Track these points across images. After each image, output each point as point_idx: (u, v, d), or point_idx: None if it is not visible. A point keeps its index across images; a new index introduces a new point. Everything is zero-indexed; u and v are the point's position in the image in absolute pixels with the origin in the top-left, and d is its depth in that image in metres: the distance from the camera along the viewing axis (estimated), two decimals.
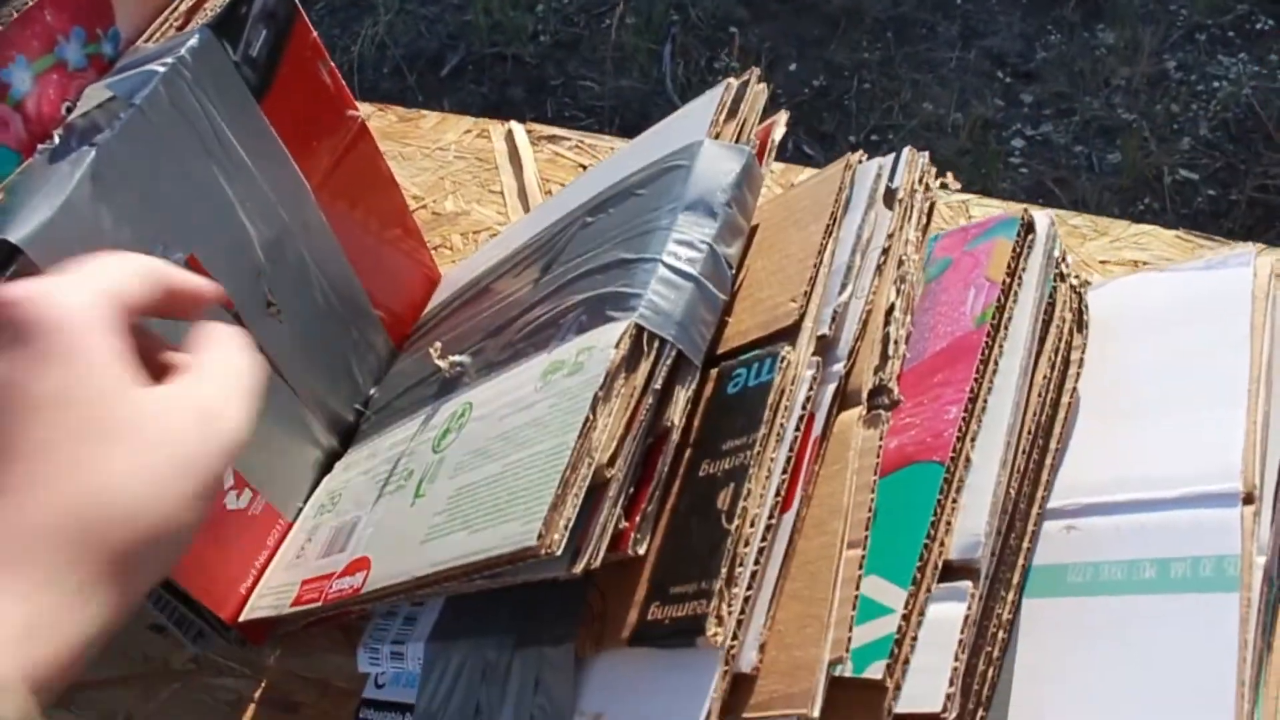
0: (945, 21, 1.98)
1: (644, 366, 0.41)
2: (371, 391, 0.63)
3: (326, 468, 0.60)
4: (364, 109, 0.63)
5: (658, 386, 0.41)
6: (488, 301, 0.55)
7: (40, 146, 0.46)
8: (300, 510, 0.59)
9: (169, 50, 0.48)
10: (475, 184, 0.77)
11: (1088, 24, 1.96)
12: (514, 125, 0.80)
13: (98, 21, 0.48)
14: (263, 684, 0.59)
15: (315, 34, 0.54)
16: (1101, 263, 0.68)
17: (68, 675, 0.29)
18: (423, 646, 0.48)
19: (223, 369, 0.34)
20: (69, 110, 0.48)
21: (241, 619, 0.55)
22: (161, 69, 0.47)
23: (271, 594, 0.54)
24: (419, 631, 0.49)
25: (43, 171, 0.44)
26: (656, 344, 0.41)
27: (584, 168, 0.76)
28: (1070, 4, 1.98)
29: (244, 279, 0.52)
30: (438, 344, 0.53)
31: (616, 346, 0.40)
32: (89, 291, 0.32)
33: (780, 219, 0.48)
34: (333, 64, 0.56)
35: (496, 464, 0.42)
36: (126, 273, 0.33)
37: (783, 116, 0.51)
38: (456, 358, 0.51)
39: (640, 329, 0.41)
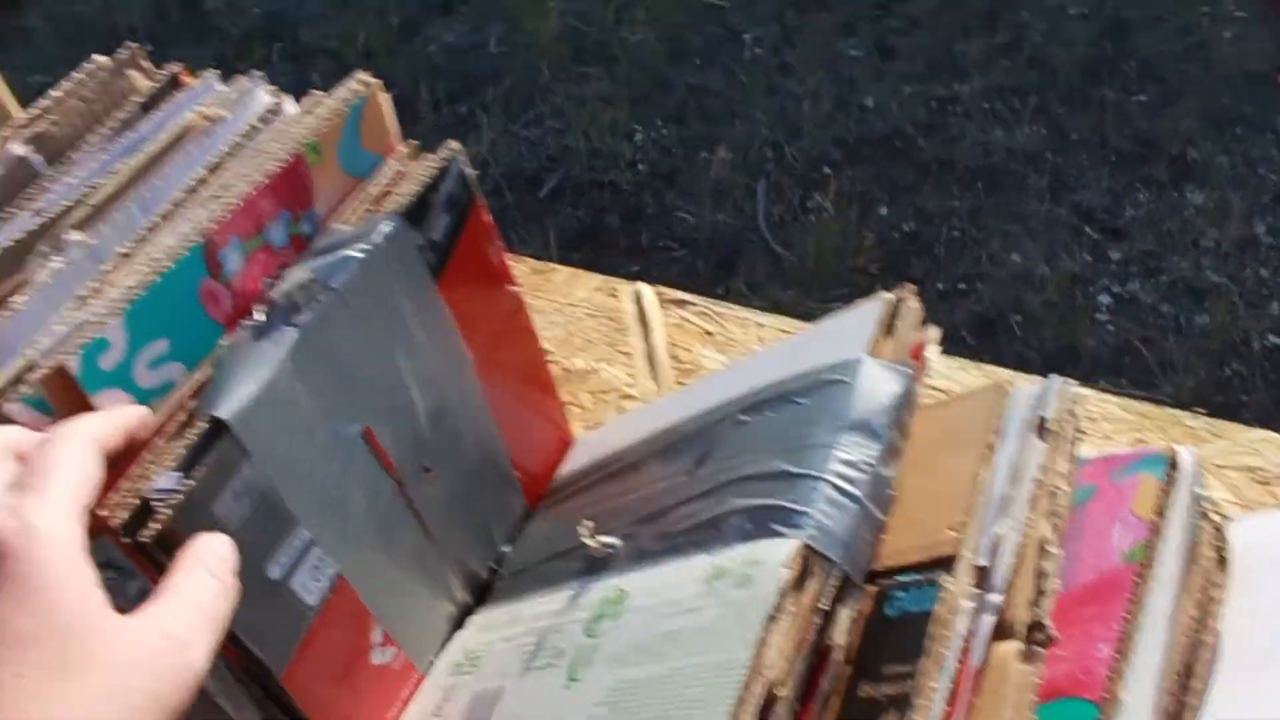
0: (1035, 174, 2.02)
1: (812, 586, 0.43)
2: (505, 549, 0.65)
3: (459, 622, 0.62)
4: None
5: (825, 607, 0.43)
6: (635, 482, 0.58)
7: (244, 322, 0.49)
8: (431, 663, 0.61)
9: (364, 235, 0.51)
10: (604, 343, 0.81)
11: (1177, 184, 1.98)
12: (642, 287, 0.84)
13: (300, 204, 0.52)
14: None
15: (489, 216, 0.58)
16: (1218, 467, 0.69)
17: None
18: None
19: (194, 597, 0.37)
20: (268, 288, 0.51)
21: None
22: (359, 255, 0.50)
23: None
24: None
25: (247, 349, 0.48)
26: (823, 564, 0.43)
27: (709, 334, 0.79)
28: (1160, 163, 2.01)
29: (406, 446, 0.55)
30: (588, 522, 0.55)
31: (787, 566, 0.42)
32: (62, 514, 0.34)
33: (931, 438, 0.50)
34: (499, 241, 0.60)
35: (662, 666, 0.44)
36: (84, 471, 0.36)
37: (934, 333, 0.54)
38: (608, 539, 0.54)
39: (808, 549, 0.43)
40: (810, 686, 0.42)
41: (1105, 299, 1.84)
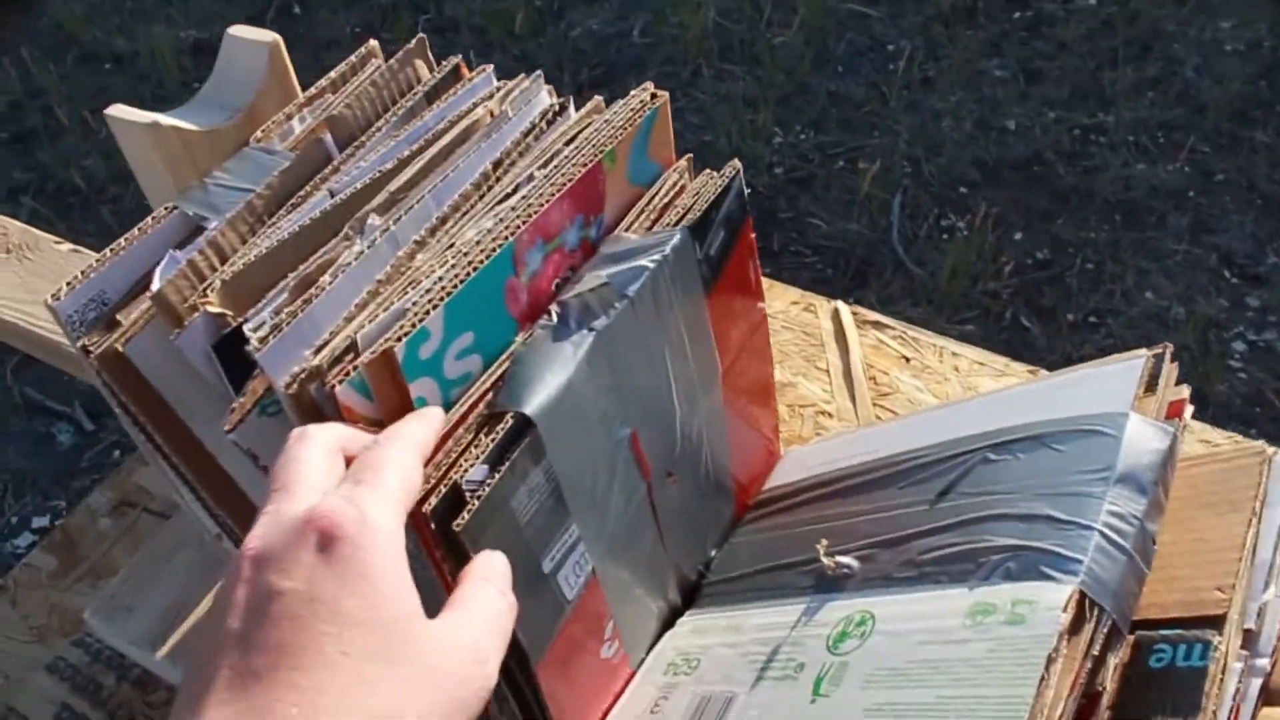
0: (1176, 212, 2.00)
1: (1085, 631, 0.44)
2: (712, 553, 0.67)
3: (669, 623, 0.65)
4: None
5: (1096, 653, 0.44)
6: (865, 505, 0.60)
7: (542, 322, 0.52)
8: (642, 660, 0.63)
9: (653, 247, 0.54)
10: (801, 357, 0.83)
11: None
12: (840, 305, 0.86)
13: (593, 209, 0.55)
14: None
15: (754, 234, 0.60)
16: None
17: None
18: None
19: (489, 611, 0.38)
20: (558, 287, 0.54)
21: None
22: (650, 264, 0.53)
23: None
24: None
25: (545, 347, 0.51)
26: (1096, 611, 0.45)
27: (906, 360, 0.81)
28: None
29: (660, 450, 0.58)
30: (824, 540, 0.57)
31: (1065, 610, 0.44)
32: (391, 512, 0.36)
33: (1186, 495, 0.52)
34: (758, 260, 0.62)
35: (926, 692, 0.46)
36: (412, 474, 0.39)
37: (1186, 391, 0.55)
38: (844, 559, 0.56)
39: (1083, 595, 0.45)
40: None
41: (1240, 346, 1.82)
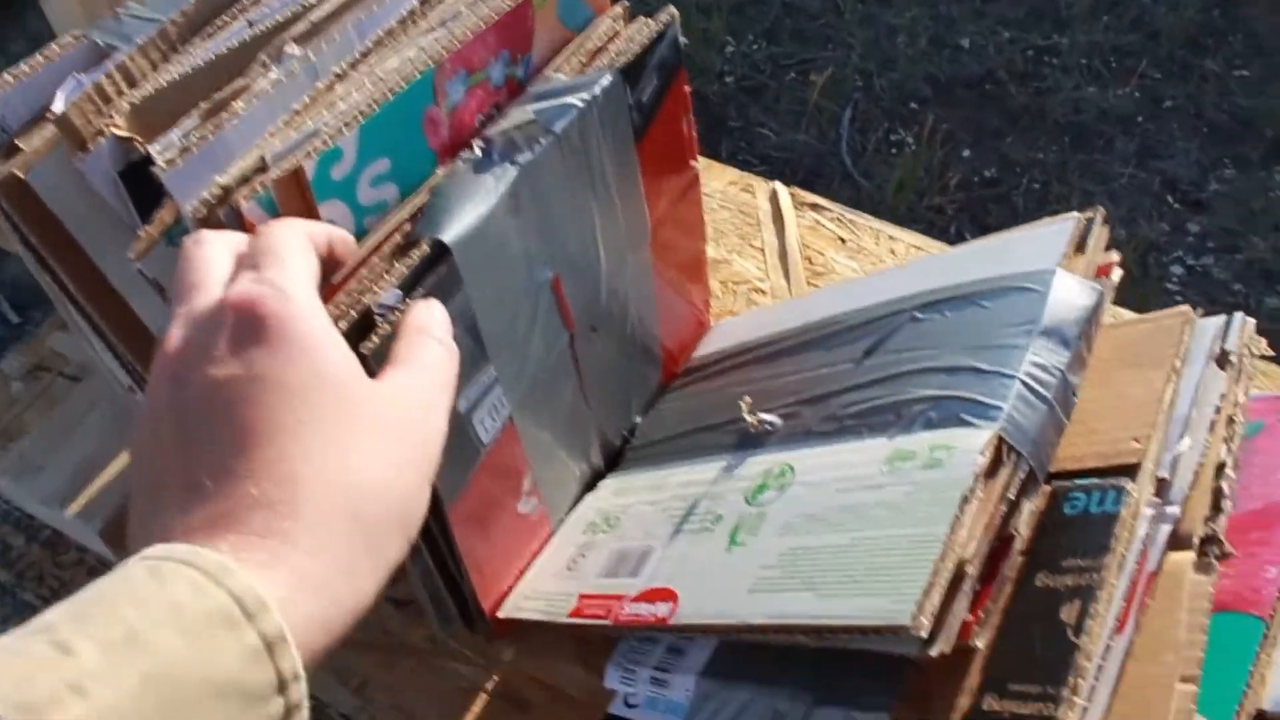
0: (1124, 137, 2.00)
1: (1002, 476, 0.44)
2: (637, 419, 0.67)
3: (590, 485, 0.64)
4: None
5: (1011, 496, 0.44)
6: (791, 367, 0.59)
7: (463, 155, 0.50)
8: (561, 520, 0.62)
9: (583, 86, 0.52)
10: (736, 235, 0.81)
11: (1266, 163, 1.96)
12: (779, 186, 0.84)
13: (519, 47, 0.53)
14: (495, 677, 0.62)
15: (688, 86, 0.59)
16: None
17: (321, 646, 0.30)
18: (693, 679, 0.52)
19: (430, 361, 0.38)
20: (481, 123, 0.52)
21: (502, 615, 0.59)
22: (579, 103, 0.51)
23: (542, 599, 0.57)
24: (688, 664, 0.53)
25: (467, 180, 0.49)
26: (1014, 457, 0.45)
27: (843, 241, 0.80)
28: (1253, 141, 1.98)
29: (583, 302, 0.57)
30: (747, 398, 0.56)
31: (982, 453, 0.44)
32: (306, 287, 0.35)
33: (1110, 355, 0.51)
34: (692, 115, 0.60)
35: (841, 534, 0.45)
36: (307, 256, 0.37)
37: (1115, 256, 0.54)
38: (767, 416, 0.55)
39: (1002, 440, 0.44)
40: (991, 571, 0.43)
41: (1178, 270, 1.84)
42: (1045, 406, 0.46)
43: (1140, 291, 1.78)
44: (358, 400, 0.33)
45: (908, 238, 0.80)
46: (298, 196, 0.45)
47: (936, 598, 0.40)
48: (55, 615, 0.26)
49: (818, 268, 0.78)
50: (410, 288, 0.45)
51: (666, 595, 0.51)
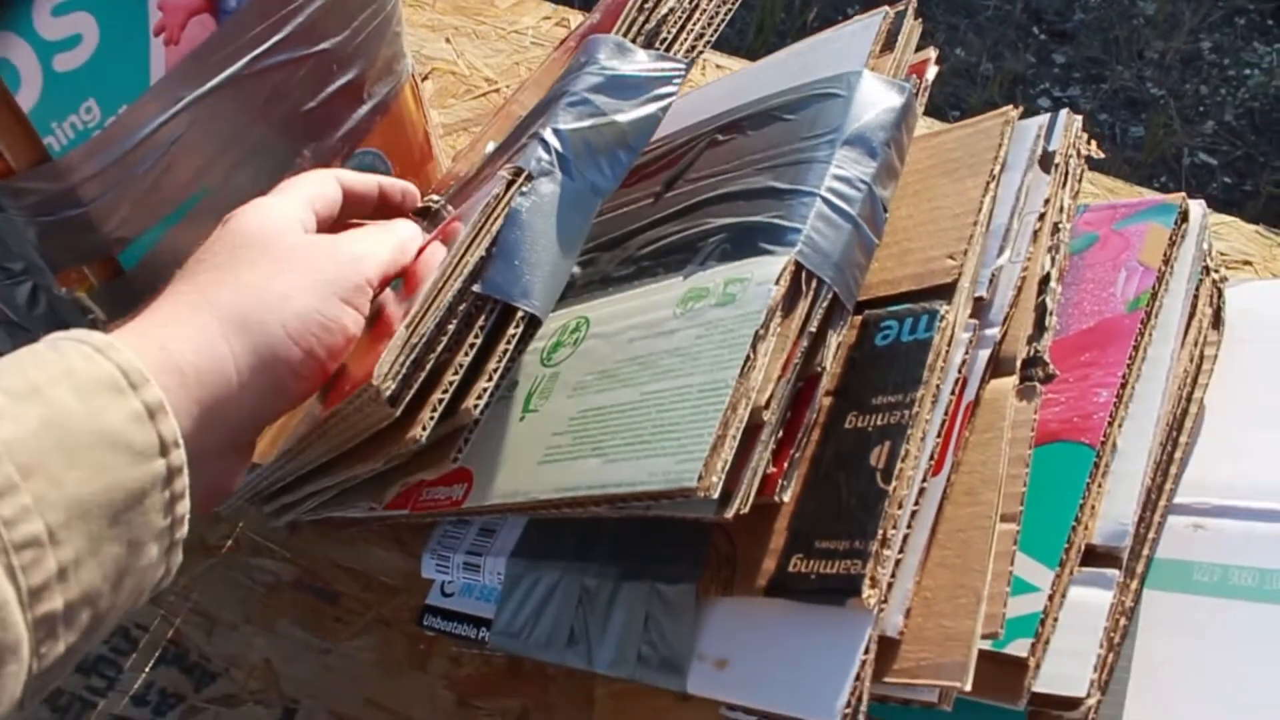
0: None
1: (801, 307, 0.39)
2: None
3: None
4: None
5: (813, 329, 0.39)
6: None
7: (537, 159, 0.42)
8: None
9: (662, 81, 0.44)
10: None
11: None
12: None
13: None
14: (302, 569, 0.57)
15: None
16: None
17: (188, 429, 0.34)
18: (503, 562, 0.47)
19: (377, 237, 0.42)
20: None
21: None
22: (660, 114, 0.49)
23: None
24: (499, 546, 0.47)
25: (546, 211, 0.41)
26: (815, 284, 0.39)
27: None
28: None
29: None
30: None
31: (777, 283, 0.38)
32: (290, 199, 0.42)
33: (926, 165, 0.46)
34: None
35: (630, 390, 0.40)
36: (322, 186, 0.44)
37: (932, 54, 0.49)
38: None
39: (799, 266, 0.39)
40: (794, 416, 0.38)
41: (1045, 102, 1.80)
42: (850, 225, 0.41)
43: None
44: (286, 243, 0.40)
45: (736, 65, 0.73)
46: None
47: (727, 452, 0.35)
48: None
49: None
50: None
51: (463, 476, 0.45)
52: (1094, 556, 0.38)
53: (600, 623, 0.41)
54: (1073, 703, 0.35)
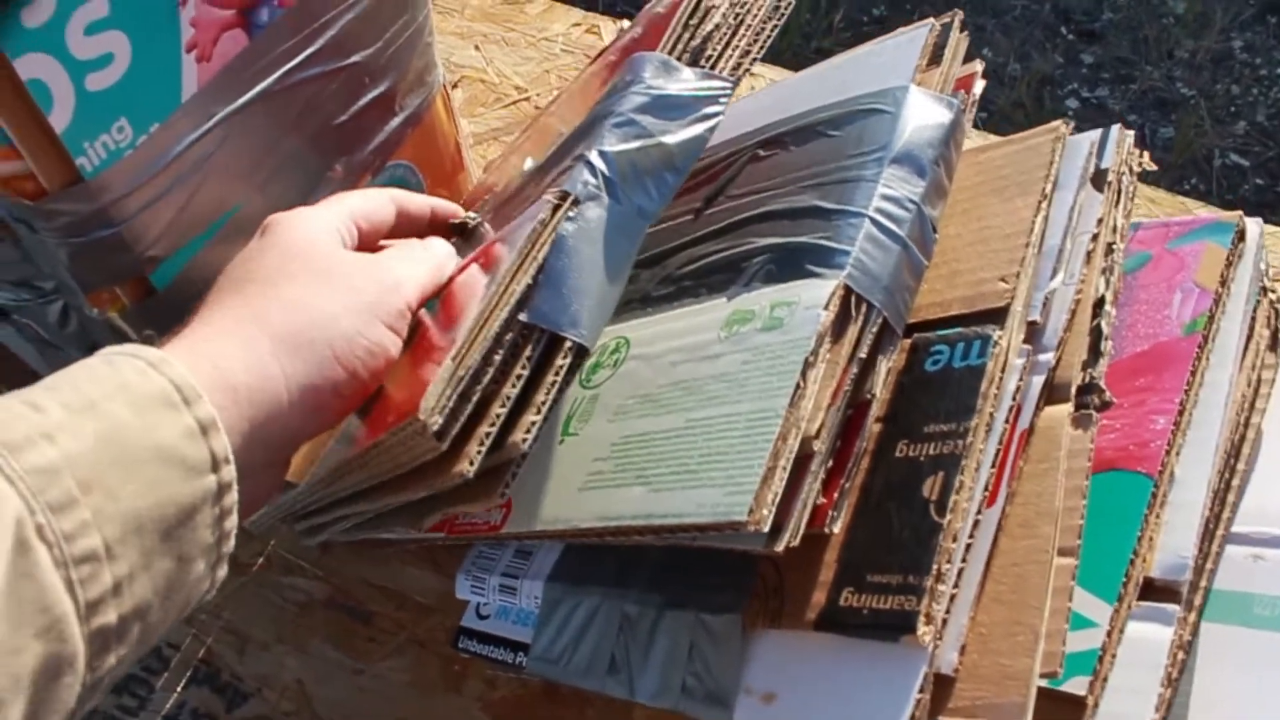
0: None
1: (851, 332, 0.38)
2: None
3: None
4: None
5: (863, 355, 0.38)
6: None
7: (583, 182, 0.41)
8: None
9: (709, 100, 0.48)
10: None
11: None
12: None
13: None
14: (334, 588, 0.56)
15: None
16: None
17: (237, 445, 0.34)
18: (541, 585, 0.46)
19: (416, 258, 0.43)
20: None
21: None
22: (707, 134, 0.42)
23: None
24: (536, 569, 0.47)
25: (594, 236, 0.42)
26: (864, 308, 0.38)
27: None
28: None
29: None
30: None
31: (826, 307, 0.37)
32: (333, 213, 0.42)
33: (975, 182, 0.45)
34: None
35: (675, 417, 0.39)
36: (370, 203, 0.44)
37: (978, 67, 0.48)
38: None
39: (849, 290, 0.38)
40: (844, 444, 0.37)
41: (1073, 103, 1.78)
42: (899, 247, 0.40)
43: (1035, 126, 1.73)
44: (324, 260, 0.40)
45: (769, 73, 0.72)
46: None
47: (777, 484, 0.34)
48: (29, 388, 0.31)
49: None
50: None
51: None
52: (1153, 590, 0.37)
53: (642, 651, 0.40)
54: None
